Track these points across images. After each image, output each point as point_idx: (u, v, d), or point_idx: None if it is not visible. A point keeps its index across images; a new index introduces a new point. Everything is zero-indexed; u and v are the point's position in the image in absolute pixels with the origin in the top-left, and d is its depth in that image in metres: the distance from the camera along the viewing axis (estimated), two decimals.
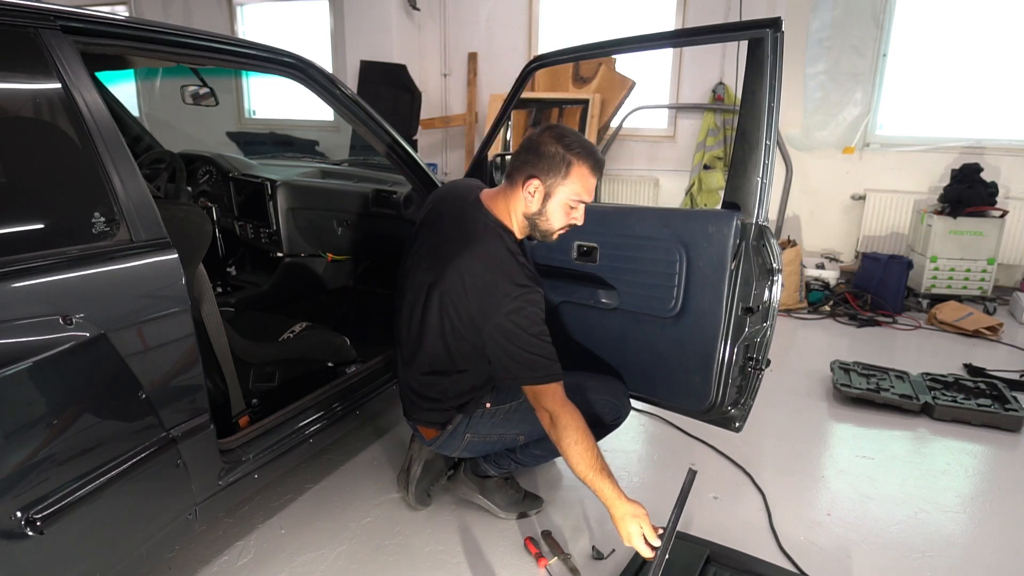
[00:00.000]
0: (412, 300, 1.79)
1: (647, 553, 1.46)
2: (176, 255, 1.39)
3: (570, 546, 1.90)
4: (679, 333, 1.80)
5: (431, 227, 1.82)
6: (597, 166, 1.65)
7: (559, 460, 2.17)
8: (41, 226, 1.26)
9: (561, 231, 1.70)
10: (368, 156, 4.16)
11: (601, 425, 1.90)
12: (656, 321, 1.83)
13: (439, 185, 2.28)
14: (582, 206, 1.67)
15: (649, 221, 1.83)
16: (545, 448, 1.91)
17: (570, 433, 1.56)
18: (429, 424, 1.88)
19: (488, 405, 1.83)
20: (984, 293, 4.25)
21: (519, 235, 1.73)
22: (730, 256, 1.68)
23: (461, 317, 1.67)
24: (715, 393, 1.77)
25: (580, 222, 1.69)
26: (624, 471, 2.29)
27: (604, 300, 1.91)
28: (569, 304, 2.05)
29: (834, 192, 4.86)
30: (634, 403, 2.05)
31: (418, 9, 5.46)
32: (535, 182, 1.63)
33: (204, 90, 2.37)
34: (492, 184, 2.09)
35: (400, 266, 1.88)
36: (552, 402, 1.60)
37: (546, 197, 1.64)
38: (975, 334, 3.73)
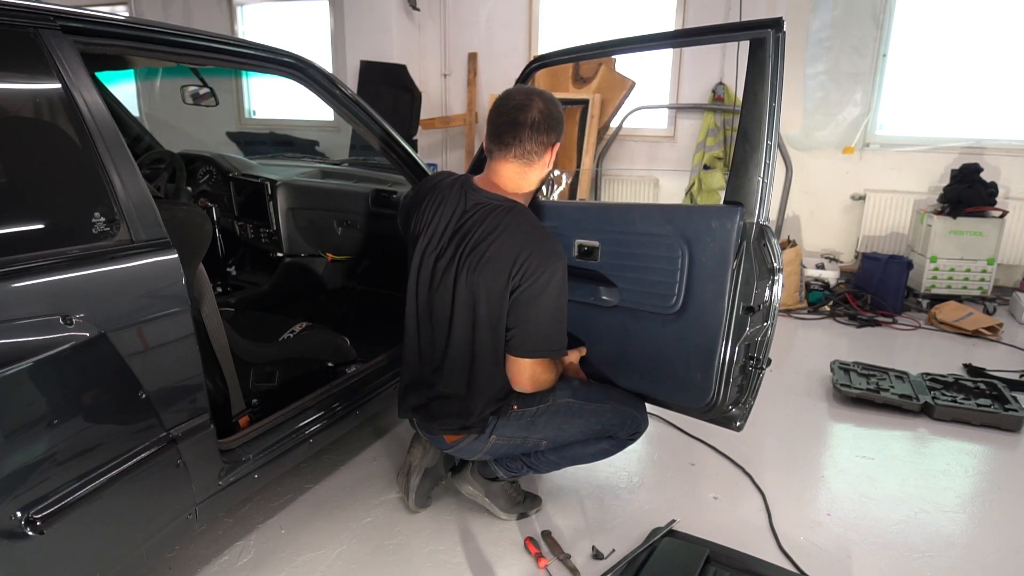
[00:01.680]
0: (443, 308, 1.71)
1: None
2: (176, 255, 1.39)
3: (570, 546, 1.90)
4: (681, 329, 1.79)
5: (444, 231, 1.73)
6: None
7: None
8: (41, 226, 1.26)
9: None
10: (368, 156, 4.16)
11: (616, 439, 1.90)
12: (657, 318, 1.83)
13: None
14: None
15: (651, 217, 1.82)
16: (562, 455, 1.91)
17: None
18: (458, 431, 1.81)
19: (515, 407, 1.79)
20: (984, 293, 4.25)
21: (527, 202, 1.80)
22: (733, 251, 1.67)
23: (503, 308, 1.65)
24: (716, 389, 1.77)
25: None
26: (624, 471, 2.29)
27: (605, 297, 1.90)
28: (570, 302, 2.05)
29: (834, 192, 4.86)
30: None
31: (418, 9, 5.46)
32: (556, 145, 1.72)
33: (204, 90, 2.37)
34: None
35: (415, 278, 1.78)
36: (549, 374, 1.78)
37: (555, 153, 1.74)
38: (975, 334, 3.73)
